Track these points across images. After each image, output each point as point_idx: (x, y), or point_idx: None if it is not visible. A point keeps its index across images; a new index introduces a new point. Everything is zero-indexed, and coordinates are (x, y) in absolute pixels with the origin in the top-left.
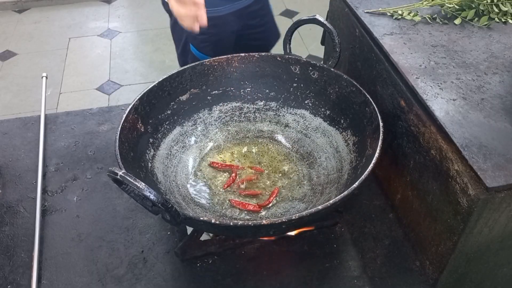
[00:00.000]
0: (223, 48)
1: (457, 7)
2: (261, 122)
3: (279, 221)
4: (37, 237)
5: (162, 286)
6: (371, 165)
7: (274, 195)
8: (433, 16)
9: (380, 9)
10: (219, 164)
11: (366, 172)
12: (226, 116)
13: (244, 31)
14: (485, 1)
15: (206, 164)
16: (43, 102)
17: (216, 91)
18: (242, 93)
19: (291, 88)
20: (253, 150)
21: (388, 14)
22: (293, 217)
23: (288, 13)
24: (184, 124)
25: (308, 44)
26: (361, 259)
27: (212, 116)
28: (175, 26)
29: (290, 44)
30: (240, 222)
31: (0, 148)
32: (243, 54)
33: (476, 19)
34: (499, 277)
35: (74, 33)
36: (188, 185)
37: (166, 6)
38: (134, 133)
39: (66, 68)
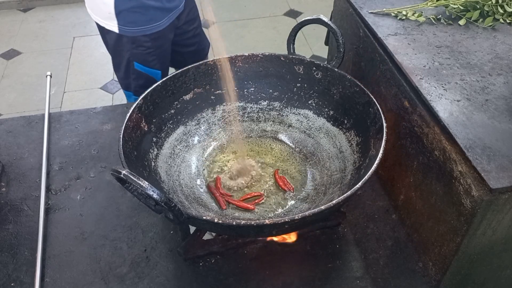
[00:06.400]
0: (166, 58)
1: (462, 7)
2: (264, 122)
3: (282, 221)
4: (41, 235)
5: (164, 285)
6: (374, 165)
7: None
8: (438, 17)
9: (384, 9)
10: (213, 189)
11: (369, 173)
12: (229, 115)
13: (177, 38)
14: (490, 2)
15: (209, 164)
16: (47, 100)
17: (220, 91)
18: (245, 92)
19: (295, 88)
20: (256, 150)
21: (393, 14)
22: (296, 217)
23: (292, 13)
24: (187, 124)
25: (312, 44)
26: (363, 260)
27: (215, 116)
28: (117, 48)
29: (294, 44)
30: (243, 222)
31: (5, 146)
32: (246, 54)
33: (481, 20)
34: (502, 279)
35: (78, 32)
36: (192, 185)
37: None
38: (138, 132)
39: (71, 67)
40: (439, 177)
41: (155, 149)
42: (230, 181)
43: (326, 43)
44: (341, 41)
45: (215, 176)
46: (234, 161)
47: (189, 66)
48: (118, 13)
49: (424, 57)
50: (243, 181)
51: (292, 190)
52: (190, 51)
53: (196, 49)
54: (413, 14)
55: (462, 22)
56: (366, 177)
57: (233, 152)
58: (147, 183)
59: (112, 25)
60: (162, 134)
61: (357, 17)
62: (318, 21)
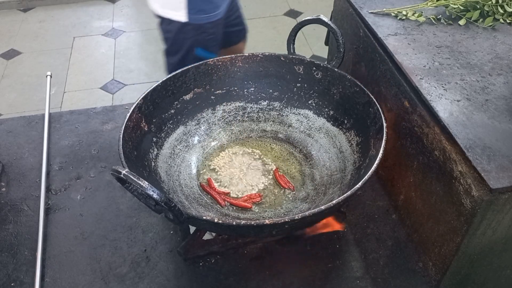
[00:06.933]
0: (219, 42)
1: (462, 8)
2: (264, 122)
3: (282, 221)
4: (41, 235)
5: (164, 285)
6: (374, 165)
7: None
8: (438, 17)
9: (384, 9)
10: (208, 189)
11: (369, 173)
12: (229, 115)
13: (225, 20)
14: (490, 2)
15: (209, 164)
16: (47, 101)
17: (220, 91)
18: (245, 93)
19: (295, 88)
20: (256, 150)
21: (393, 14)
22: (296, 217)
23: (292, 13)
24: (187, 124)
25: (312, 44)
26: (364, 260)
27: (215, 116)
28: (179, 36)
29: (294, 44)
30: (243, 222)
31: (5, 146)
32: (246, 54)
33: (481, 20)
34: (502, 278)
35: (78, 32)
36: (192, 184)
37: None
38: (138, 132)
39: (71, 67)
40: (439, 177)
41: (155, 149)
42: (231, 186)
43: (326, 43)
44: (341, 41)
45: (215, 176)
46: (235, 165)
47: (189, 66)
48: (190, 2)
49: (424, 57)
50: (245, 190)
51: (292, 189)
52: (235, 31)
53: (240, 29)
54: (413, 14)
55: (462, 22)
56: (366, 177)
57: (233, 153)
58: (147, 183)
59: (180, 15)
60: (162, 134)
61: (357, 17)
62: (318, 21)
